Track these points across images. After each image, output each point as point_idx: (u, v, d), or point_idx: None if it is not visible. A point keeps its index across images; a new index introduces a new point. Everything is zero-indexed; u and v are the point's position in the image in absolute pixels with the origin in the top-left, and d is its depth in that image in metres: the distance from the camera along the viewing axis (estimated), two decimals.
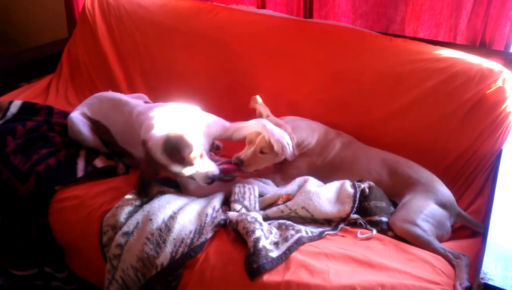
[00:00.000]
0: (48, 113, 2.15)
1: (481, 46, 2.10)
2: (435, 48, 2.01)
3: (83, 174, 1.82)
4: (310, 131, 1.95)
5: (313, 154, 1.93)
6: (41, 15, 3.40)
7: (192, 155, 1.55)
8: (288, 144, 1.72)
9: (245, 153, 1.77)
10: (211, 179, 1.61)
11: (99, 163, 1.90)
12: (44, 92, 2.54)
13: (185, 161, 1.55)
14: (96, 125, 1.98)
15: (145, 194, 1.66)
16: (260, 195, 1.75)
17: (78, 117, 1.97)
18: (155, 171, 1.61)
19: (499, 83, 1.81)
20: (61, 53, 2.68)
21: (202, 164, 1.60)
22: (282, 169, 1.93)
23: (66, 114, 2.18)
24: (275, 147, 1.71)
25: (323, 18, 2.45)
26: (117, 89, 2.50)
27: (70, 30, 2.85)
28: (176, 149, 1.53)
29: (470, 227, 1.71)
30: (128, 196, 1.66)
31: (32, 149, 1.91)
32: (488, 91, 1.83)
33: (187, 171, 1.57)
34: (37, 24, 3.45)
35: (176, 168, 1.55)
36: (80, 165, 1.87)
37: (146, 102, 2.02)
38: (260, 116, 1.90)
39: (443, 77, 1.91)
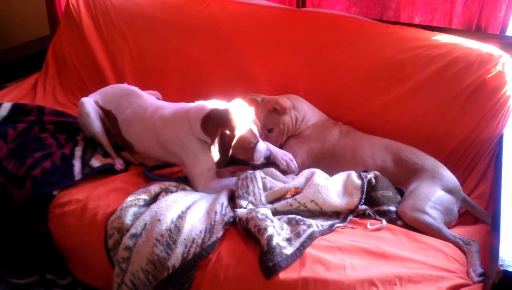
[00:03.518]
0: (40, 113, 2.08)
1: (476, 30, 2.10)
2: (433, 34, 1.99)
3: (81, 177, 1.76)
4: (312, 111, 2.04)
5: (310, 139, 1.96)
6: (20, 12, 3.27)
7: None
8: (291, 160, 1.87)
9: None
10: (266, 159, 1.80)
11: (95, 162, 1.85)
12: (31, 92, 2.45)
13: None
14: (106, 114, 2.01)
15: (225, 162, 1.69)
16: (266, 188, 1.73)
17: (89, 102, 2.00)
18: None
19: (499, 67, 1.81)
20: (44, 51, 2.58)
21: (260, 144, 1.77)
22: None
23: (58, 112, 2.13)
24: (281, 167, 1.85)
25: (316, 6, 2.41)
26: (106, 85, 2.42)
27: (52, 27, 2.74)
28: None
29: (473, 213, 1.72)
30: (130, 198, 1.62)
31: (25, 152, 1.85)
32: (488, 76, 1.83)
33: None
34: (16, 22, 3.31)
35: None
36: (77, 167, 1.81)
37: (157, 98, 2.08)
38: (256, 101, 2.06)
39: (443, 63, 1.90)
